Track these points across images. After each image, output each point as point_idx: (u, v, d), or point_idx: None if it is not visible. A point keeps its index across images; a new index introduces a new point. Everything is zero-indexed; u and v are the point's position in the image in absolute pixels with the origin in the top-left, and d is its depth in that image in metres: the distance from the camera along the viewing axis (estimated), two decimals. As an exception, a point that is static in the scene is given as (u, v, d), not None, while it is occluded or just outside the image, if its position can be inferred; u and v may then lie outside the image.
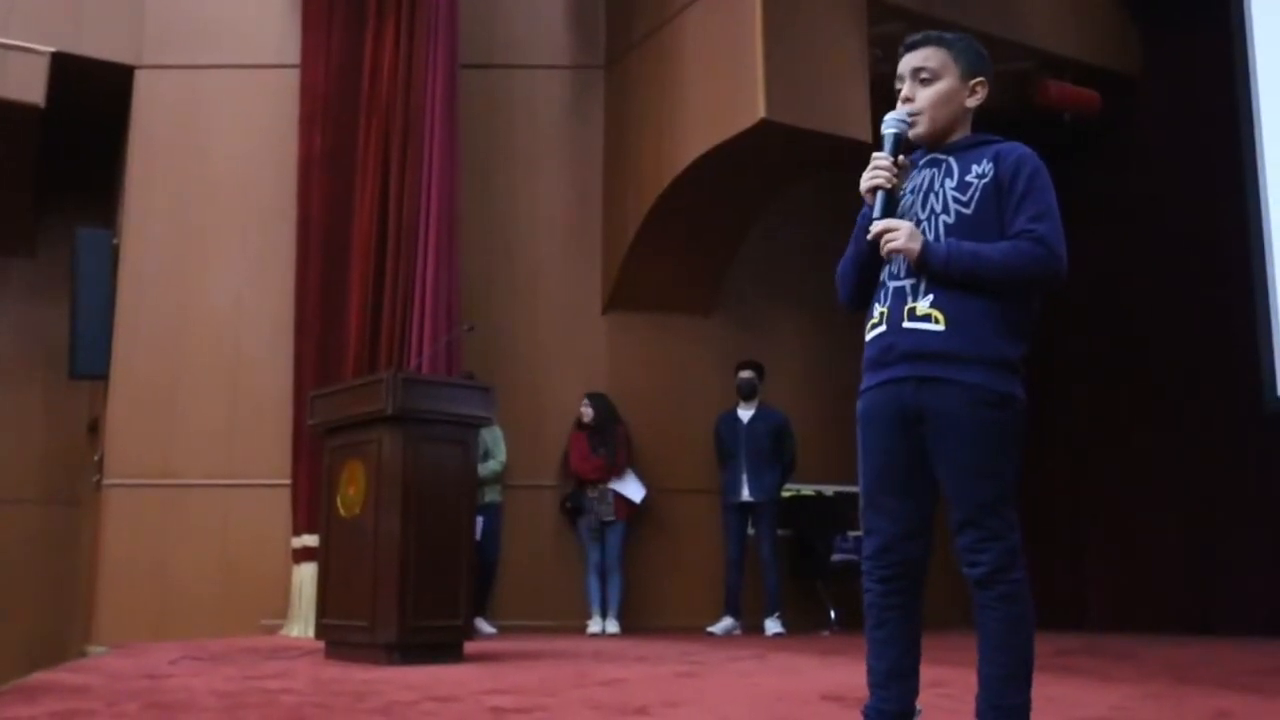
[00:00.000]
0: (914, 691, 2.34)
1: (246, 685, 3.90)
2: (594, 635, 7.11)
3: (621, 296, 8.01)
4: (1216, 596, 7.40)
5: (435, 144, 6.96)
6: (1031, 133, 8.73)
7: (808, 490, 7.79)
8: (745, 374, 7.58)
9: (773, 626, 7.16)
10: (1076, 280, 8.72)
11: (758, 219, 7.93)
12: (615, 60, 8.21)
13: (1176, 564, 7.66)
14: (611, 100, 8.21)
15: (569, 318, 8.00)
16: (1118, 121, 8.20)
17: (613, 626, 7.21)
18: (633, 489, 7.49)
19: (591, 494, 7.43)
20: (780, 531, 7.53)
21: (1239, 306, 7.05)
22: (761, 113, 6.49)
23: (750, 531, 7.41)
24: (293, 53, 7.55)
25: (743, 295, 8.30)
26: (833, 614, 7.64)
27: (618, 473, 7.46)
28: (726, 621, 7.26)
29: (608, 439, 7.47)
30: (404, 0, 7.19)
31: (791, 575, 7.77)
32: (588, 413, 7.50)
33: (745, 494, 7.36)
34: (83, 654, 6.87)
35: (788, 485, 7.59)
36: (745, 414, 7.53)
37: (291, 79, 7.51)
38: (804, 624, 7.54)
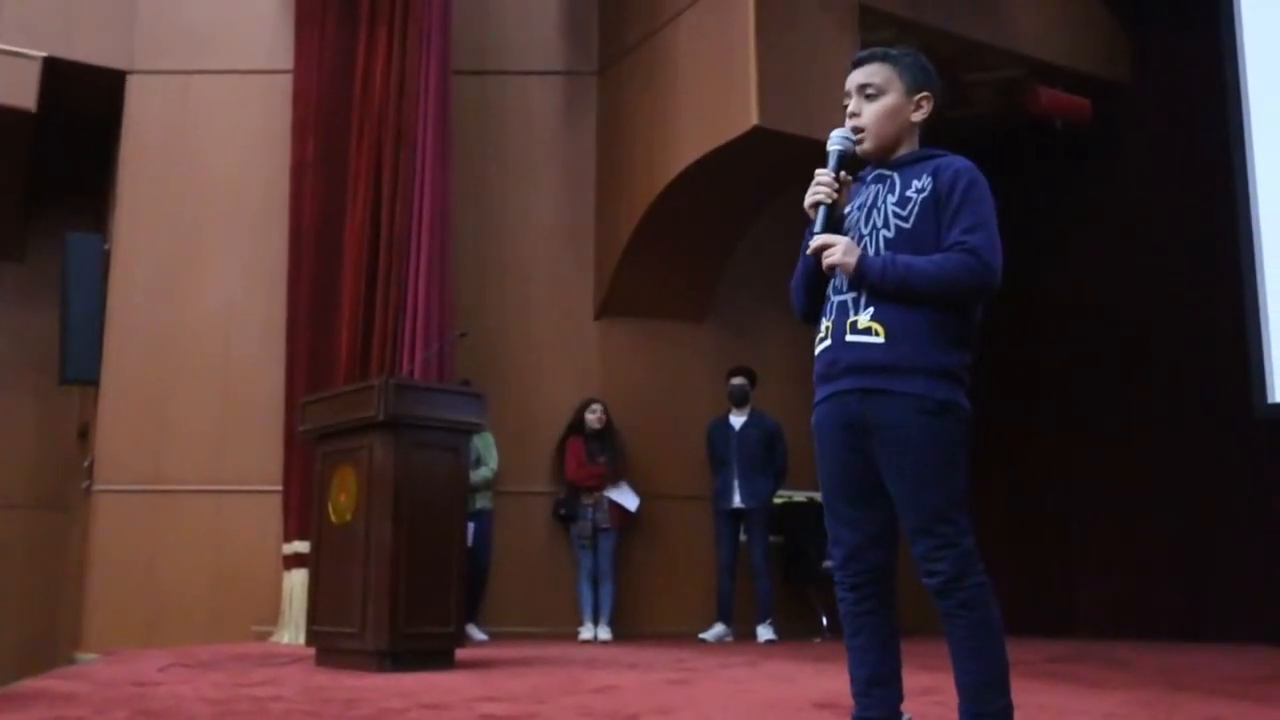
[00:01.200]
0: (898, 696, 2.36)
1: (236, 692, 3.89)
2: (586, 642, 7.09)
3: (614, 303, 8.01)
4: (1209, 603, 7.41)
5: (428, 150, 6.96)
6: (1023, 140, 8.77)
7: (799, 497, 7.78)
8: (737, 380, 7.58)
9: (764, 633, 7.15)
10: (1068, 285, 8.73)
11: (750, 226, 7.93)
12: (608, 66, 8.21)
13: (1168, 570, 7.66)
14: (604, 106, 8.21)
15: (561, 324, 7.99)
16: (1109, 128, 8.22)
17: (604, 633, 7.21)
18: (628, 498, 7.48)
19: (587, 501, 7.41)
20: (772, 538, 7.52)
21: (1231, 312, 7.07)
22: (754, 119, 6.50)
23: (742, 538, 7.40)
24: (285, 58, 7.55)
25: (735, 302, 8.29)
26: (824, 621, 7.63)
27: (614, 480, 7.45)
28: (718, 628, 7.25)
29: (608, 446, 7.46)
30: (397, 6, 7.18)
31: (783, 582, 7.76)
32: (603, 418, 7.49)
33: (737, 500, 7.35)
34: (72, 661, 6.84)
35: (780, 492, 7.59)
36: (737, 420, 7.53)
37: (284, 84, 7.51)
38: (796, 631, 7.54)
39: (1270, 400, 6.69)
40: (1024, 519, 8.42)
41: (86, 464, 7.75)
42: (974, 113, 8.07)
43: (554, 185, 8.17)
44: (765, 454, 7.41)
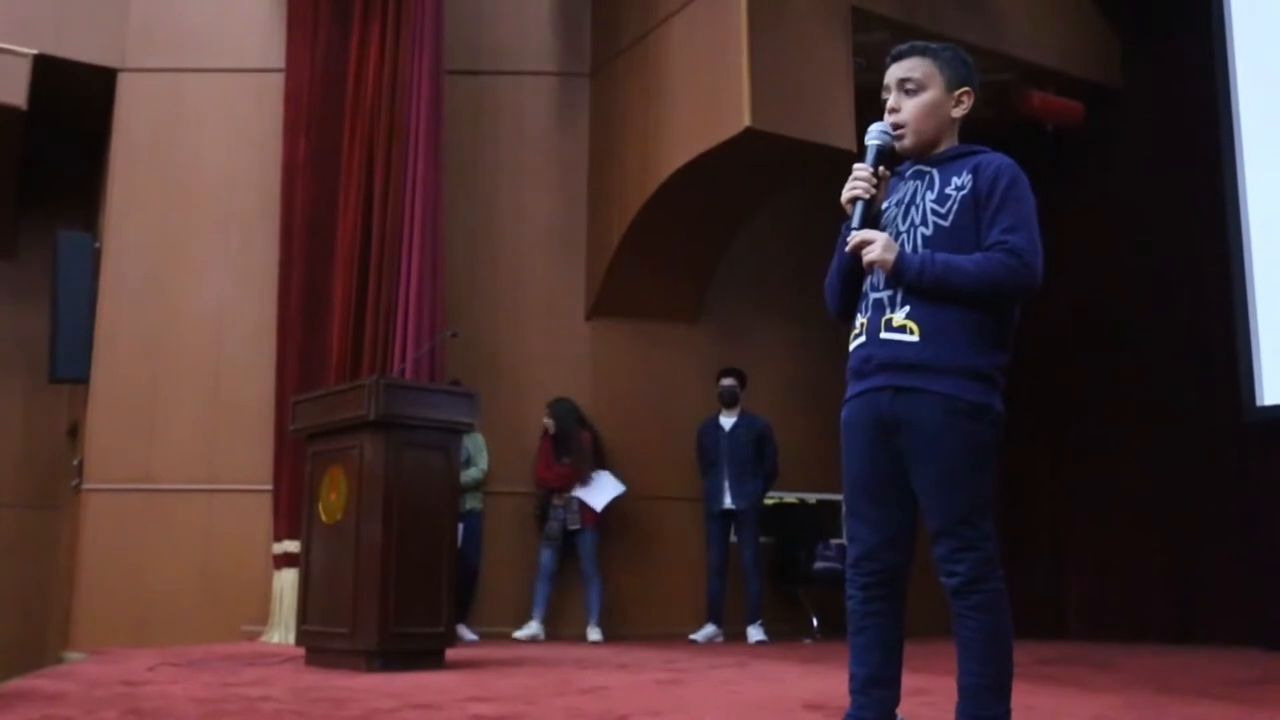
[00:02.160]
0: (895, 699, 2.35)
1: (225, 692, 3.88)
2: (521, 639, 7.01)
3: (605, 303, 8.01)
4: (1195, 606, 7.44)
5: (420, 149, 6.95)
6: (1015, 144, 8.80)
7: (790, 498, 7.80)
8: (727, 381, 7.58)
9: (755, 634, 7.16)
10: (1059, 290, 8.77)
11: (742, 227, 7.94)
12: (601, 67, 8.21)
13: (1155, 573, 7.69)
14: (597, 107, 8.21)
15: (553, 324, 7.98)
16: (1100, 132, 8.25)
17: (595, 635, 7.16)
18: (595, 496, 7.35)
19: (557, 502, 7.39)
20: (762, 539, 7.52)
21: (1220, 316, 7.10)
22: (746, 121, 6.50)
23: (733, 539, 7.40)
24: (277, 57, 7.53)
25: (726, 303, 8.30)
26: (815, 622, 7.65)
27: (582, 480, 7.39)
28: (709, 629, 7.25)
29: (571, 447, 7.40)
30: (389, 5, 7.17)
31: (773, 583, 7.77)
32: (549, 423, 7.45)
33: (727, 502, 7.35)
34: (60, 660, 6.81)
35: (770, 493, 7.59)
36: (727, 421, 7.52)
37: (276, 83, 7.49)
38: (786, 632, 7.54)
39: (1260, 403, 6.72)
40: (1015, 521, 8.44)
41: (76, 462, 7.73)
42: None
43: (546, 186, 8.16)
44: (755, 455, 7.41)
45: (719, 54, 6.80)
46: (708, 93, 6.90)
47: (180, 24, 7.82)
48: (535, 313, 7.98)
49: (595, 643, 7.05)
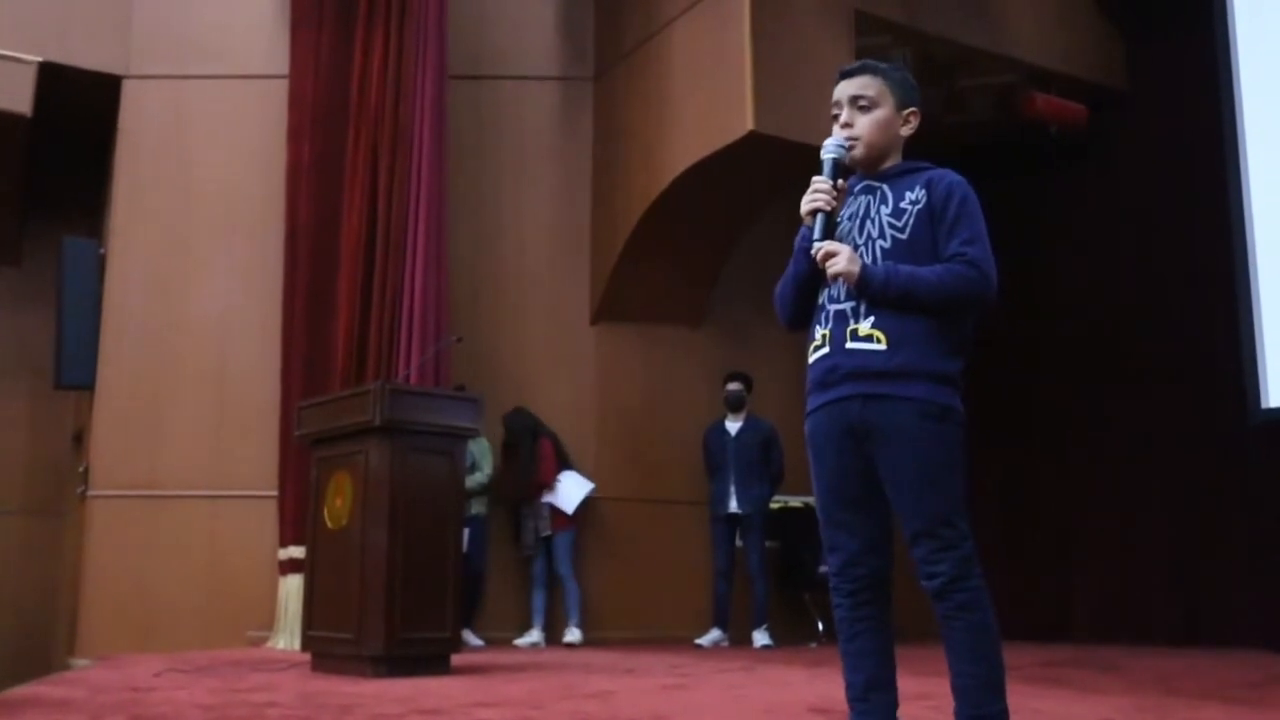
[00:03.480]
0: (894, 703, 2.37)
1: (231, 698, 3.88)
2: (523, 646, 7.01)
3: (610, 308, 8.01)
4: (1201, 608, 7.42)
5: (424, 154, 6.96)
6: (1018, 146, 8.79)
7: (796, 502, 7.78)
8: (733, 386, 7.57)
9: (760, 638, 7.15)
10: (1063, 290, 8.75)
11: (746, 231, 7.94)
12: (604, 71, 8.22)
13: (1161, 575, 7.68)
14: (600, 111, 8.22)
15: (557, 329, 7.99)
16: (1104, 135, 8.24)
17: (573, 636, 7.11)
18: (564, 499, 7.30)
19: (525, 510, 7.38)
20: (768, 543, 7.50)
21: (1225, 318, 7.09)
22: (750, 125, 6.51)
23: (738, 543, 7.39)
24: (281, 63, 7.55)
25: (731, 307, 8.30)
26: (820, 626, 7.64)
27: (542, 486, 7.27)
28: (714, 633, 7.24)
29: (521, 458, 7.32)
30: (393, 10, 7.19)
31: (779, 587, 7.76)
32: (507, 432, 7.40)
33: (733, 506, 7.33)
34: (66, 667, 6.82)
35: (776, 497, 7.57)
36: (733, 426, 7.52)
37: (280, 89, 7.50)
38: (792, 636, 7.54)
39: (1265, 406, 6.70)
40: (1019, 524, 8.43)
41: (81, 469, 7.74)
42: (969, 118, 8.09)
43: (550, 190, 8.17)
44: (761, 459, 7.40)
45: (722, 58, 6.81)
46: (711, 96, 6.91)
47: (184, 30, 7.83)
48: (539, 317, 7.99)
49: (573, 644, 6.98)
